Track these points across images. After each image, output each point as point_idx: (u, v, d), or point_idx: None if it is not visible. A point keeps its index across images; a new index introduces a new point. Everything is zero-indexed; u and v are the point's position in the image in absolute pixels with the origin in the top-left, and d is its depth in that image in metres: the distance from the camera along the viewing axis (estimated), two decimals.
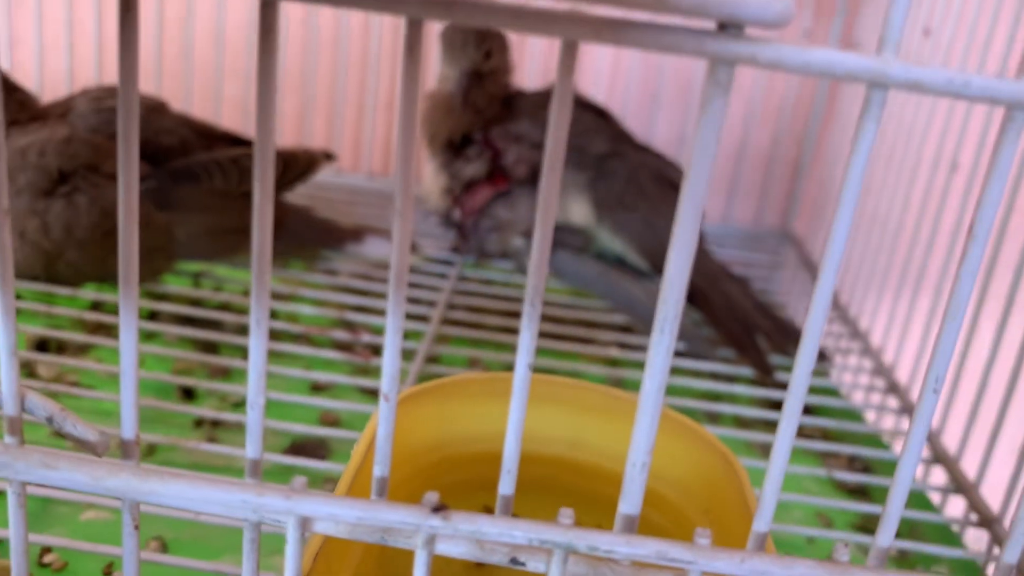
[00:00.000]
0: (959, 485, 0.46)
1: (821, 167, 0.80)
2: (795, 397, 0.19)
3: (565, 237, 0.62)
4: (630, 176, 0.61)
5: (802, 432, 0.54)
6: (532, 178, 0.63)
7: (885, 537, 0.20)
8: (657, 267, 0.61)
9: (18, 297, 0.55)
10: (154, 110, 0.58)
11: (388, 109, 0.80)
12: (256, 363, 0.20)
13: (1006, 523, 0.42)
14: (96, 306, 0.57)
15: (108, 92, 0.56)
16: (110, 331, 0.55)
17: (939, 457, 0.49)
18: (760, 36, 0.17)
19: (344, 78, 0.78)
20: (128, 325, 0.20)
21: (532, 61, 0.78)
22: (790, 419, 0.19)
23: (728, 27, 0.17)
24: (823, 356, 0.57)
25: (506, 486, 0.20)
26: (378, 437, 0.20)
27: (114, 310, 0.56)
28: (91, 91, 0.56)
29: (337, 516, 0.19)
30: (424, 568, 0.20)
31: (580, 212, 0.61)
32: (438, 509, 0.19)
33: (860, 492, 0.49)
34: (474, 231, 0.65)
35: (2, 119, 0.19)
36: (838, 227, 0.18)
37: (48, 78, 0.77)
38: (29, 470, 0.20)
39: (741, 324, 0.57)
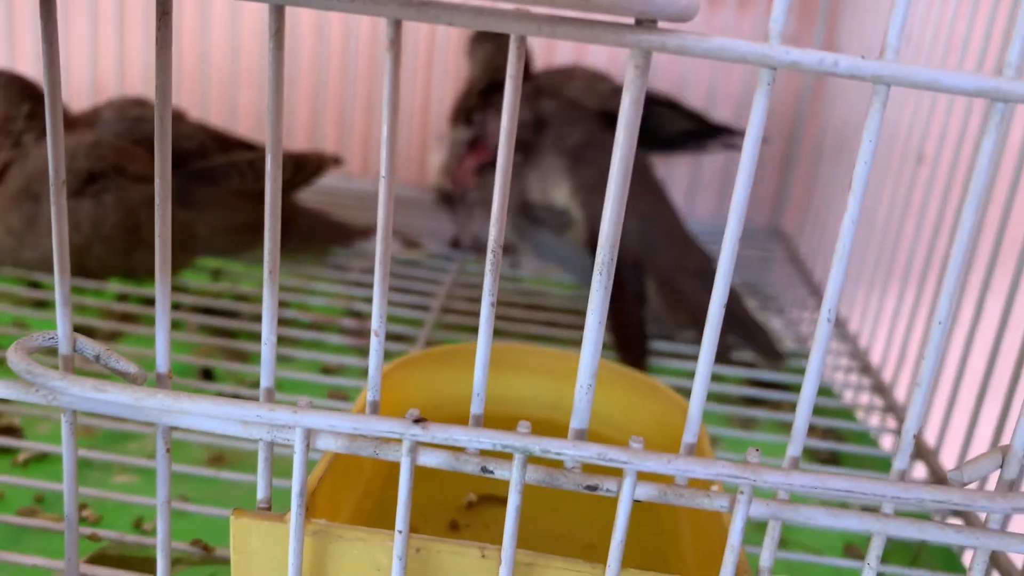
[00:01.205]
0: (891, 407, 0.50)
1: (807, 164, 0.84)
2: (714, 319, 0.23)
3: (546, 216, 0.66)
4: (606, 166, 0.65)
5: (780, 407, 0.58)
6: (520, 153, 0.67)
7: (795, 447, 0.24)
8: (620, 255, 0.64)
9: (47, 287, 0.60)
10: (173, 118, 0.62)
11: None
12: (269, 305, 0.24)
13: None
14: (122, 298, 0.61)
15: (132, 103, 0.61)
16: (137, 320, 0.59)
17: (879, 387, 0.54)
18: (669, 28, 0.21)
19: (353, 86, 0.83)
20: (163, 275, 0.24)
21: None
22: (711, 337, 0.23)
23: (643, 22, 0.21)
24: (778, 355, 0.59)
25: (476, 406, 0.25)
26: (370, 366, 0.25)
27: (139, 301, 0.61)
28: (116, 102, 0.61)
29: (336, 427, 0.24)
30: (408, 473, 0.24)
31: (560, 195, 0.65)
32: (418, 420, 0.24)
33: (832, 460, 0.52)
34: (463, 202, 0.69)
35: (60, 115, 0.23)
36: (736, 199, 0.22)
37: (73, 90, 0.82)
38: (83, 395, 0.24)
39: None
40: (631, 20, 0.22)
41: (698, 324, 0.60)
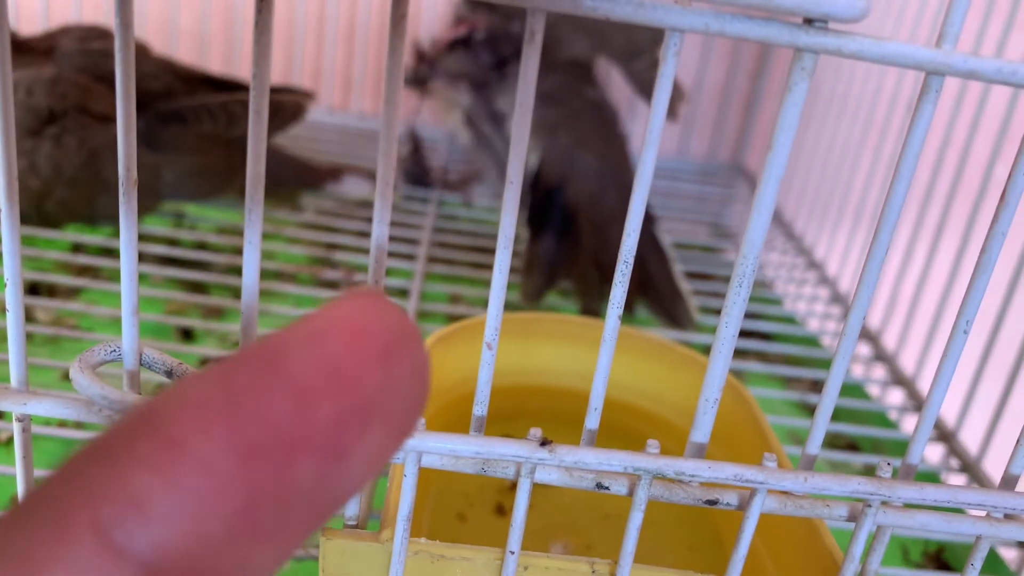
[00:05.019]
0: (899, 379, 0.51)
1: (773, 102, 0.83)
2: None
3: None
4: (571, 110, 0.62)
5: (766, 358, 0.58)
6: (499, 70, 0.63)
7: (914, 457, 0.24)
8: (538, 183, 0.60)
9: None
10: (136, 54, 0.57)
11: (379, 46, 0.80)
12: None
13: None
14: (77, 248, 0.57)
15: (93, 32, 0.55)
16: (96, 273, 0.55)
17: (880, 355, 0.55)
18: (841, 30, 0.20)
19: (336, 9, 0.78)
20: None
21: None
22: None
23: (813, 22, 0.19)
24: (686, 323, 0.57)
25: (592, 421, 0.23)
26: (479, 380, 0.23)
27: (96, 252, 0.57)
28: (74, 30, 0.55)
29: (456, 451, 0.22)
30: (527, 494, 0.23)
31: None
32: (544, 443, 0.22)
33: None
34: (432, 78, 0.65)
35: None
36: None
37: (21, 12, 0.75)
38: None
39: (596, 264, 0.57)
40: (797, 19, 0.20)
41: (611, 275, 0.56)
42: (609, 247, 0.58)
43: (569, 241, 0.58)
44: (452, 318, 0.56)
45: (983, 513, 0.24)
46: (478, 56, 0.63)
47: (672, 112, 0.66)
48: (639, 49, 0.64)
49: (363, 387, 0.10)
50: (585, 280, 0.56)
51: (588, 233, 0.58)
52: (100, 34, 0.55)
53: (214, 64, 0.77)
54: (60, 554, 0.09)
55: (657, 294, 0.57)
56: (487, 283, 0.60)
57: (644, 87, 0.65)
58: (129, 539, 0.09)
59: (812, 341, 0.60)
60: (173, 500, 0.10)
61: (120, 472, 0.10)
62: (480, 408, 0.23)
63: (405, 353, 0.11)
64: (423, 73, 0.65)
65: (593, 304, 0.56)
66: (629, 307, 0.56)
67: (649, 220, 0.61)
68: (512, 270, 0.57)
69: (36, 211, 0.54)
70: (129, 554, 0.09)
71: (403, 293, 0.55)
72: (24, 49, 0.54)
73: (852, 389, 0.55)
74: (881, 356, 0.55)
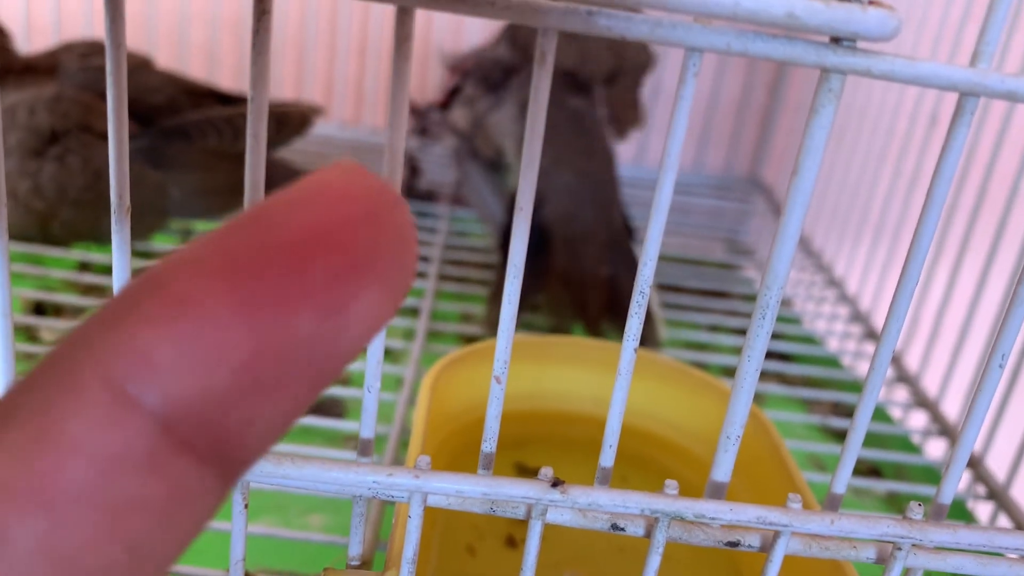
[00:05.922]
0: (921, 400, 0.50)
1: (790, 115, 0.82)
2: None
3: (486, 154, 0.62)
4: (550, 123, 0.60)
5: (785, 379, 0.57)
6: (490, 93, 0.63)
7: (946, 497, 0.23)
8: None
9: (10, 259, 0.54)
10: (139, 68, 0.56)
11: (391, 61, 0.79)
12: (374, 348, 0.21)
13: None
14: (85, 267, 0.56)
15: (95, 48, 0.54)
16: (103, 292, 0.54)
17: (902, 376, 0.54)
18: (871, 49, 0.18)
19: (347, 28, 0.77)
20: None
21: None
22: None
23: (841, 41, 0.18)
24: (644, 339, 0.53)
25: (606, 459, 0.22)
26: (488, 416, 0.22)
27: (104, 270, 0.56)
28: (76, 46, 0.55)
29: (463, 492, 0.21)
30: (538, 537, 0.21)
31: (510, 145, 0.61)
32: (556, 484, 0.21)
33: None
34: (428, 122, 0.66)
35: None
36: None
37: (32, 25, 0.74)
38: None
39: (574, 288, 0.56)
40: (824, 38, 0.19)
41: (581, 294, 0.55)
42: (581, 264, 0.56)
43: (542, 263, 0.56)
44: (463, 338, 0.55)
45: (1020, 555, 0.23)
46: (473, 101, 0.63)
47: (621, 133, 0.65)
48: (622, 71, 0.64)
49: (352, 247, 0.11)
50: (556, 301, 0.55)
51: (561, 253, 0.56)
52: (102, 50, 0.54)
53: (225, 79, 0.76)
54: (76, 408, 0.10)
55: (625, 313, 0.55)
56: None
57: (614, 106, 0.64)
58: (141, 391, 0.10)
59: (832, 362, 0.58)
60: (181, 353, 0.10)
61: (128, 330, 0.10)
62: (488, 445, 0.22)
63: (390, 217, 0.11)
64: (418, 125, 0.65)
65: (563, 324, 0.54)
66: (596, 326, 0.54)
67: (629, 234, 0.60)
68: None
69: (41, 232, 0.53)
70: (142, 406, 0.10)
71: (413, 312, 0.54)
72: (28, 69, 0.54)
73: (873, 411, 0.53)
74: (903, 377, 0.54)
